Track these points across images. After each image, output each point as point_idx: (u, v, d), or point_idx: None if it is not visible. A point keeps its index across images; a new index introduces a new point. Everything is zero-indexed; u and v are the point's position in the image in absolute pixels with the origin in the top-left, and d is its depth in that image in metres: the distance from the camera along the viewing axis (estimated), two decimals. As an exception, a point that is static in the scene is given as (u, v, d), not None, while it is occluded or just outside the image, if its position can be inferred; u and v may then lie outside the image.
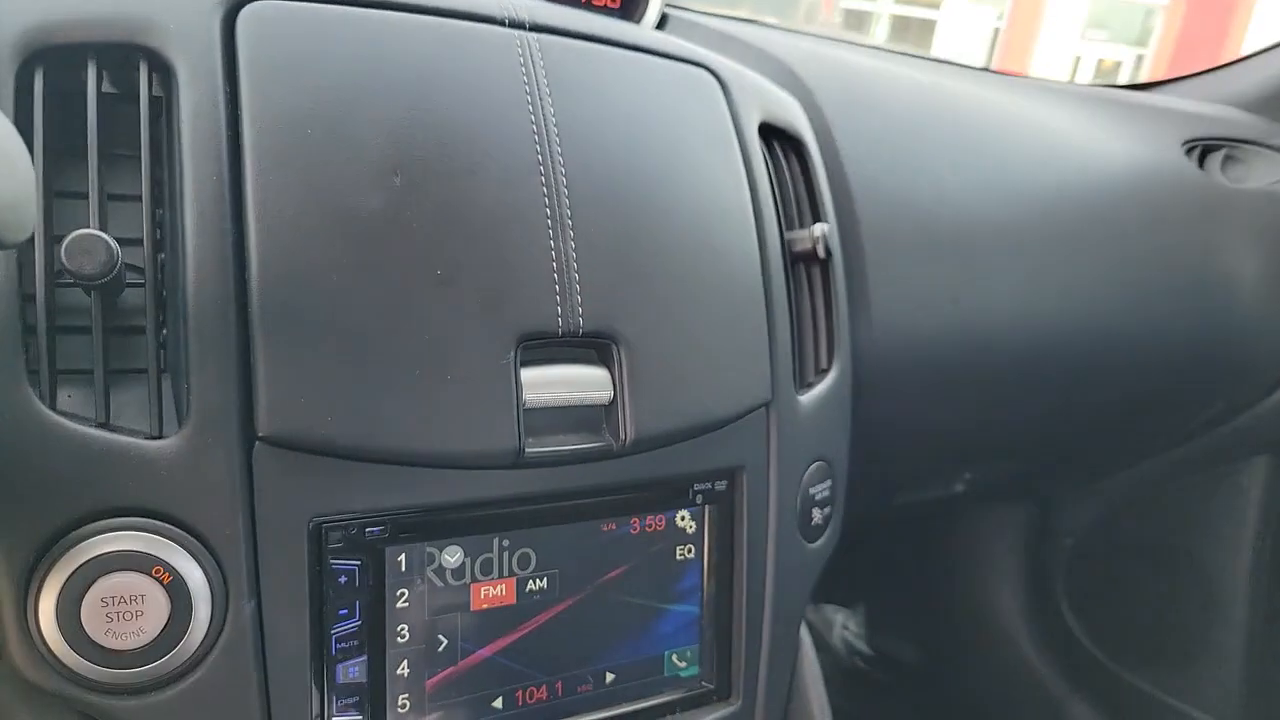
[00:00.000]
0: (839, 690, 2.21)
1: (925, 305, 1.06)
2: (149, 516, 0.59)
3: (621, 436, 0.72)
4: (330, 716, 0.66)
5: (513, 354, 0.68)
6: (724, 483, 0.83)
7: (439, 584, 0.71)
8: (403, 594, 0.69)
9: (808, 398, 0.89)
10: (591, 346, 0.72)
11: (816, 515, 0.90)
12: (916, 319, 1.05)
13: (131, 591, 0.59)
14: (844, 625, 2.25)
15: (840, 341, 0.94)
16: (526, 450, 0.69)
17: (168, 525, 0.60)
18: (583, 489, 0.74)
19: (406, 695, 0.70)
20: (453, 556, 0.71)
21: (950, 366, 1.09)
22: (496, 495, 0.70)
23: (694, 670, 0.84)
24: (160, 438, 0.60)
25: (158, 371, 0.61)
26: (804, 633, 0.92)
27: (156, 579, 0.59)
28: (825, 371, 0.92)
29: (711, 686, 0.84)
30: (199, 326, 0.60)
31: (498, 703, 0.74)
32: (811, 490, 0.89)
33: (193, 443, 0.60)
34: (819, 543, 0.91)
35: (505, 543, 0.73)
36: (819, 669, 0.91)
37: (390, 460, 0.65)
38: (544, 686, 0.76)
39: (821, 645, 2.22)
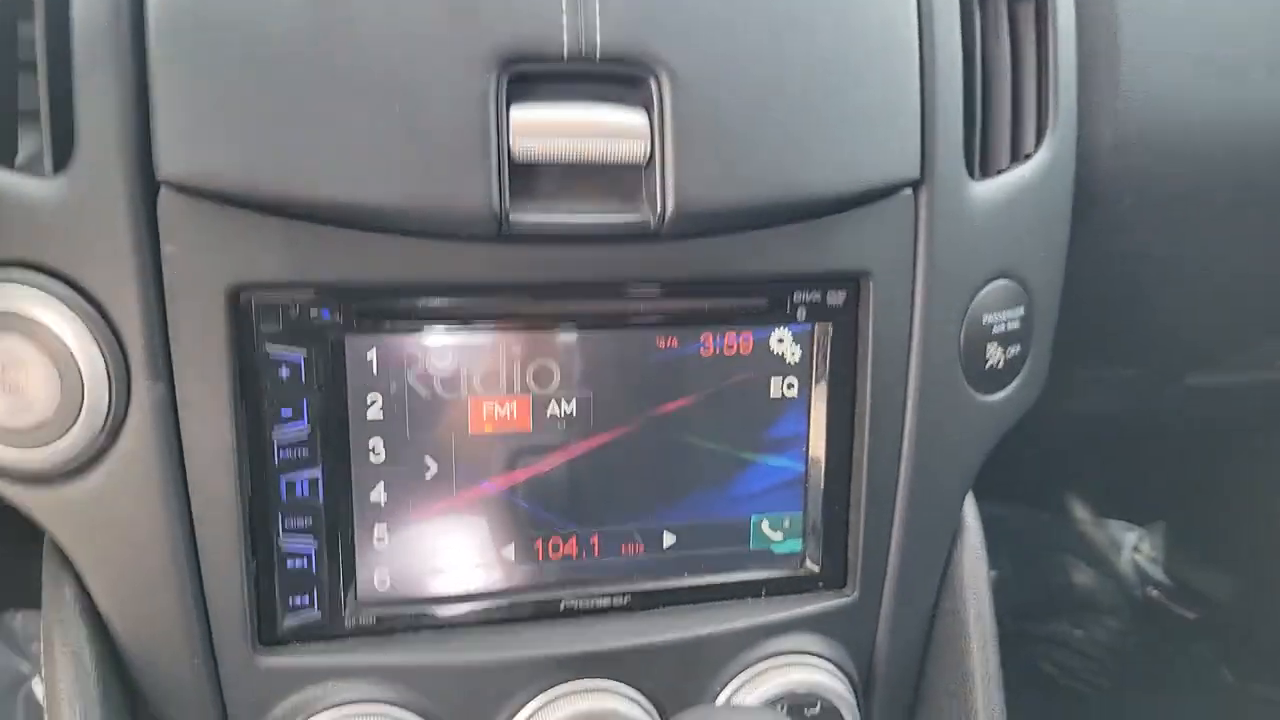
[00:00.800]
0: (1126, 626, 1.86)
1: (1212, 73, 0.72)
2: (31, 269, 0.49)
3: (660, 207, 0.52)
4: (276, 539, 0.54)
5: (494, 81, 0.49)
6: (842, 293, 0.60)
7: (423, 393, 0.55)
8: (374, 400, 0.55)
9: (991, 187, 0.62)
10: (618, 79, 0.52)
11: (994, 355, 0.64)
12: (1198, 92, 0.72)
13: (12, 357, 0.49)
14: (1135, 547, 1.87)
15: (1058, 111, 0.65)
16: (513, 217, 0.50)
17: (52, 280, 0.49)
18: (612, 282, 0.55)
19: (385, 526, 0.56)
20: (442, 360, 0.56)
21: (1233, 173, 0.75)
22: (478, 278, 0.53)
23: (793, 546, 0.63)
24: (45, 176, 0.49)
25: (48, 100, 0.49)
26: (970, 513, 0.67)
27: (40, 345, 0.49)
28: (1028, 156, 0.64)
29: (816, 569, 0.63)
30: (86, 43, 0.48)
31: (508, 551, 0.58)
32: (987, 318, 0.63)
33: (79, 183, 0.48)
34: (998, 396, 0.65)
35: (515, 349, 0.56)
36: (984, 565, 0.66)
37: (327, 217, 0.50)
38: (573, 539, 0.59)
39: (1105, 569, 1.86)
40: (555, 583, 0.59)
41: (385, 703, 0.54)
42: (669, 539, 0.61)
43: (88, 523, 0.51)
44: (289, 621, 0.55)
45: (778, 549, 0.63)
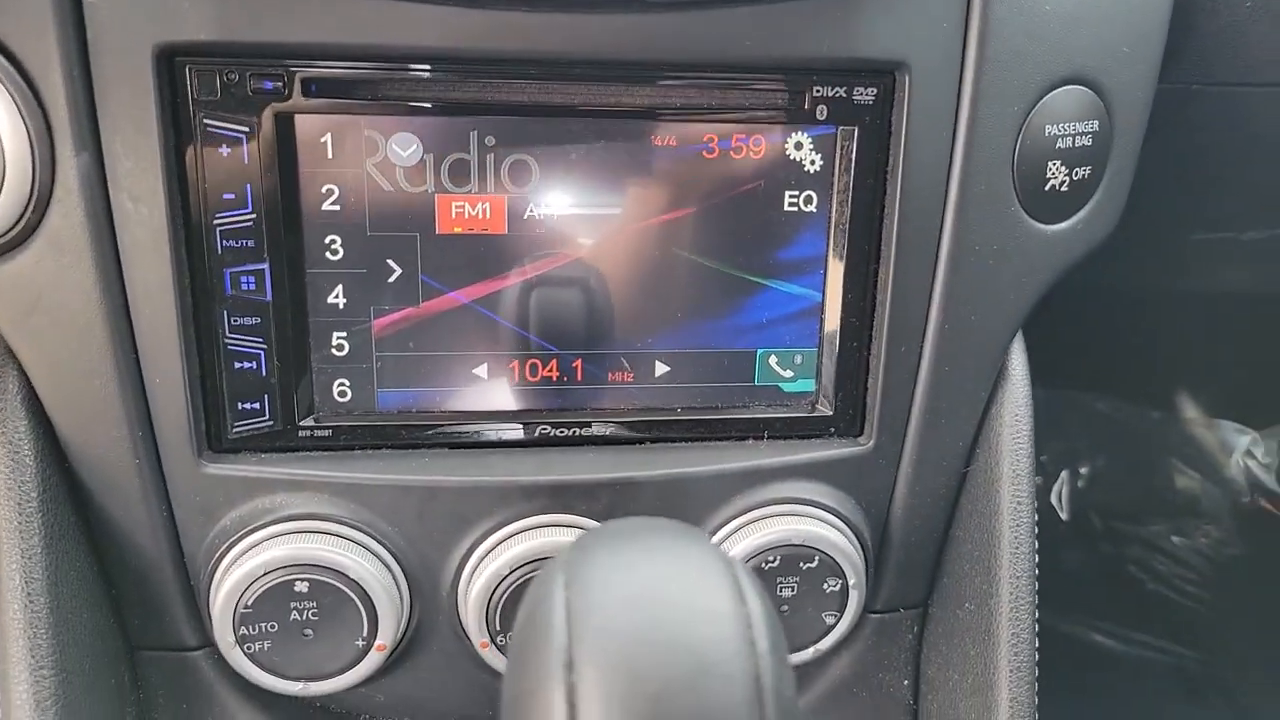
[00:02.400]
0: (1228, 535, 1.72)
1: None
2: None
3: None
4: (221, 337, 0.50)
5: None
6: (872, 90, 0.51)
7: (385, 186, 0.50)
8: (329, 192, 0.49)
9: None
10: None
11: (1057, 174, 0.54)
12: None
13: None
14: (1248, 451, 1.72)
15: None
16: None
17: None
18: (599, 60, 0.47)
19: (344, 334, 0.52)
20: (405, 148, 0.50)
21: None
22: (443, 46, 0.46)
23: (804, 385, 0.56)
24: None
25: None
26: (1017, 361, 0.58)
27: None
28: None
29: (829, 412, 0.56)
30: None
31: (480, 370, 0.53)
32: (1051, 130, 0.53)
33: None
34: (1059, 226, 0.55)
35: (488, 139, 0.50)
36: (1028, 422, 0.57)
37: None
38: (553, 362, 0.54)
39: (1212, 473, 1.73)
40: (532, 409, 0.54)
41: (338, 521, 0.50)
42: (661, 368, 0.54)
43: (21, 306, 0.48)
44: (238, 429, 0.51)
45: (786, 387, 0.56)
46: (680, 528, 0.32)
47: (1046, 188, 0.54)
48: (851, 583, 0.54)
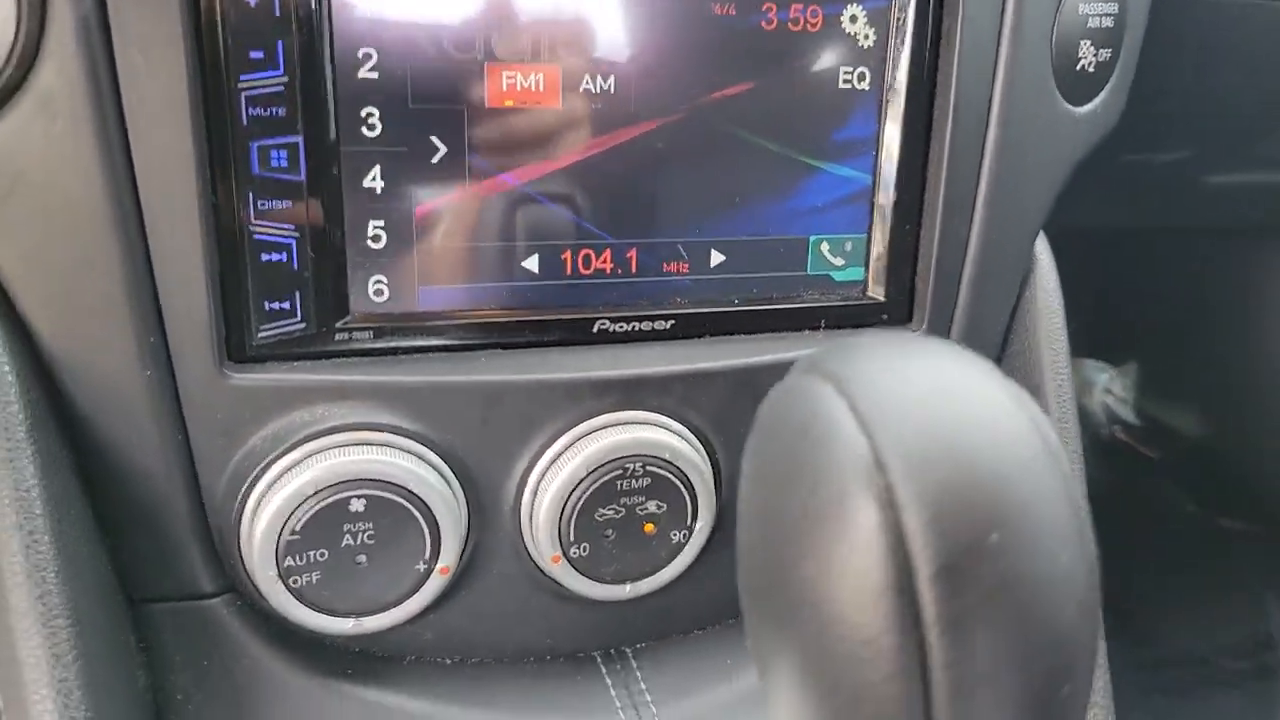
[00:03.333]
0: (1087, 465, 1.86)
1: None
2: None
3: None
4: (247, 224, 0.43)
5: None
6: None
7: (430, 52, 0.44)
8: (367, 56, 0.44)
9: None
10: None
11: (1086, 54, 0.54)
12: None
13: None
14: (1106, 388, 1.85)
15: None
16: None
17: None
18: None
19: (381, 224, 0.46)
20: (453, 11, 0.44)
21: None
22: None
23: (855, 273, 0.54)
24: None
25: None
26: (1043, 248, 0.59)
27: None
28: None
29: (881, 299, 0.54)
30: None
31: (531, 263, 0.49)
32: (1082, 8, 0.53)
33: None
34: (1085, 108, 0.56)
35: (543, 4, 0.45)
36: (1060, 304, 0.58)
37: None
38: (607, 253, 0.50)
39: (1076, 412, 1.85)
40: (587, 302, 0.50)
41: (391, 430, 0.45)
42: (717, 258, 0.51)
43: (3, 185, 0.39)
44: (265, 333, 0.44)
45: (838, 276, 0.54)
46: (956, 351, 0.29)
47: (1077, 67, 0.54)
48: None
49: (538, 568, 0.48)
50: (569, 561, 0.48)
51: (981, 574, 0.23)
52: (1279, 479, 1.60)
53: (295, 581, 0.44)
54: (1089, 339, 1.76)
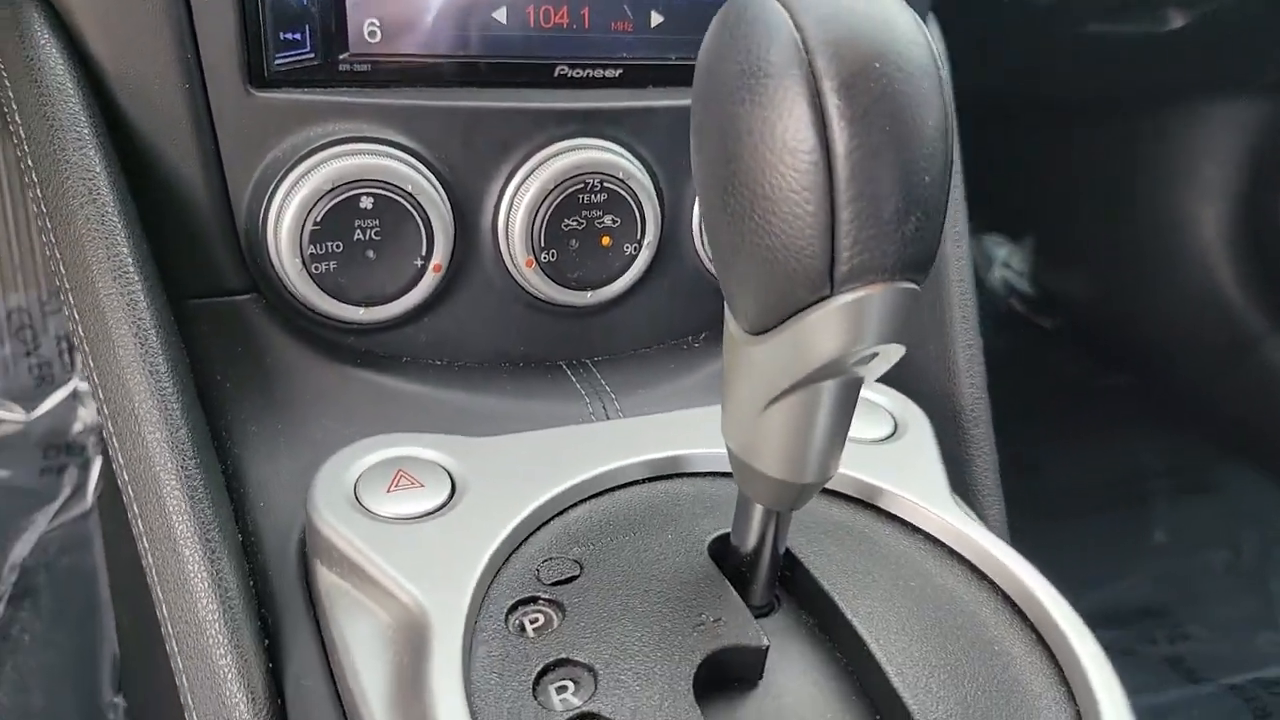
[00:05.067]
0: (986, 337, 2.00)
1: None
2: None
3: None
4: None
5: None
6: None
7: None
8: None
9: None
10: None
11: None
12: None
13: None
14: (1005, 262, 2.00)
15: None
16: None
17: None
18: None
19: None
20: None
21: None
22: None
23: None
24: None
25: None
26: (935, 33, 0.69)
27: None
28: None
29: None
30: None
31: (500, 14, 0.57)
32: None
33: None
34: None
35: None
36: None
37: None
38: (564, 9, 0.58)
39: (977, 285, 2.00)
40: (548, 51, 0.59)
41: (390, 143, 0.53)
42: (656, 18, 0.61)
43: None
44: (281, 61, 0.52)
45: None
46: None
47: None
48: None
49: (512, 275, 0.58)
50: (539, 266, 0.57)
51: (870, 86, 0.33)
52: (1153, 341, 1.77)
53: (316, 269, 0.52)
54: (989, 214, 1.90)
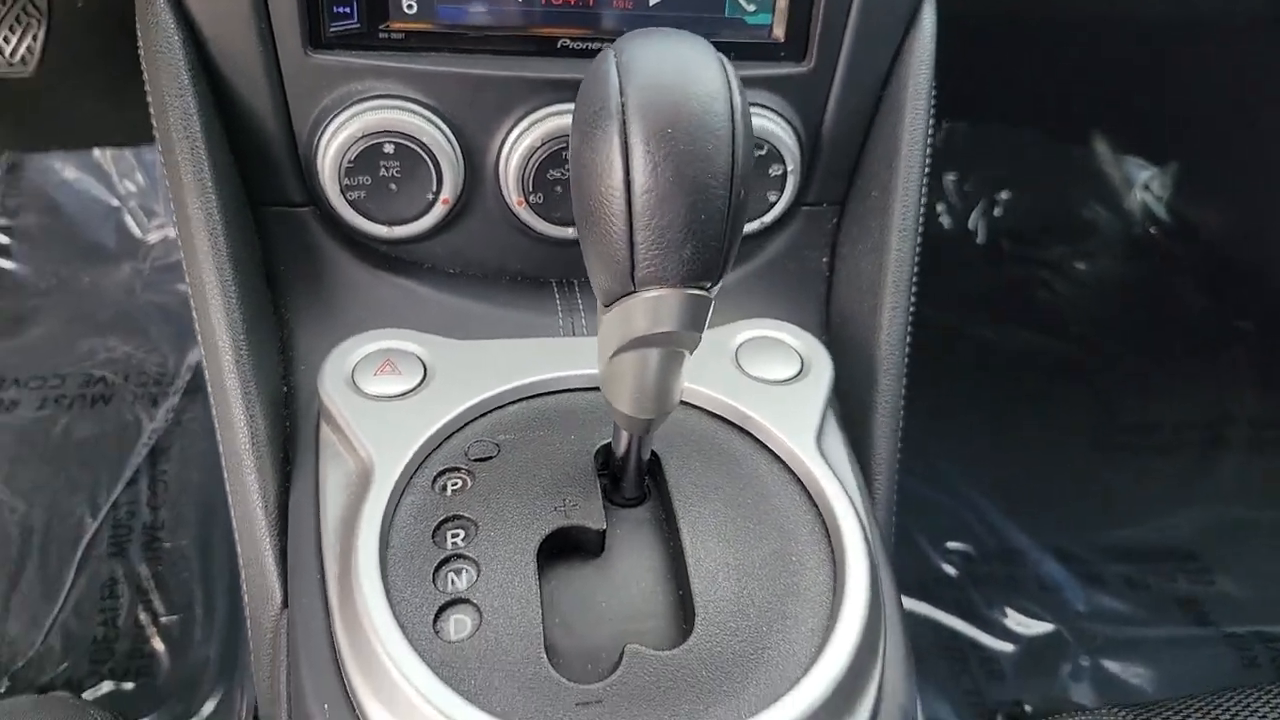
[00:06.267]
0: (1121, 258, 1.96)
1: None
2: None
3: None
4: None
5: None
6: None
7: None
8: None
9: None
10: None
11: None
12: None
13: None
14: (1146, 185, 1.94)
15: None
16: None
17: None
18: None
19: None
20: None
21: None
22: None
23: (764, 19, 0.72)
24: None
25: None
26: (928, 14, 0.74)
27: None
28: None
29: (781, 40, 0.73)
30: None
31: (516, -7, 0.69)
32: None
33: None
34: None
35: None
36: (930, 69, 0.74)
37: None
38: (571, -12, 0.70)
39: (1114, 207, 1.95)
40: (556, 24, 0.70)
41: (414, 100, 0.67)
42: (655, -1, 0.71)
43: None
44: (334, 27, 0.67)
45: (749, 19, 0.72)
46: (695, 38, 0.49)
47: None
48: (790, 169, 0.73)
49: (509, 209, 0.71)
50: (529, 205, 0.70)
51: (662, 147, 0.44)
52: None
53: (350, 195, 0.68)
54: (1134, 134, 1.83)
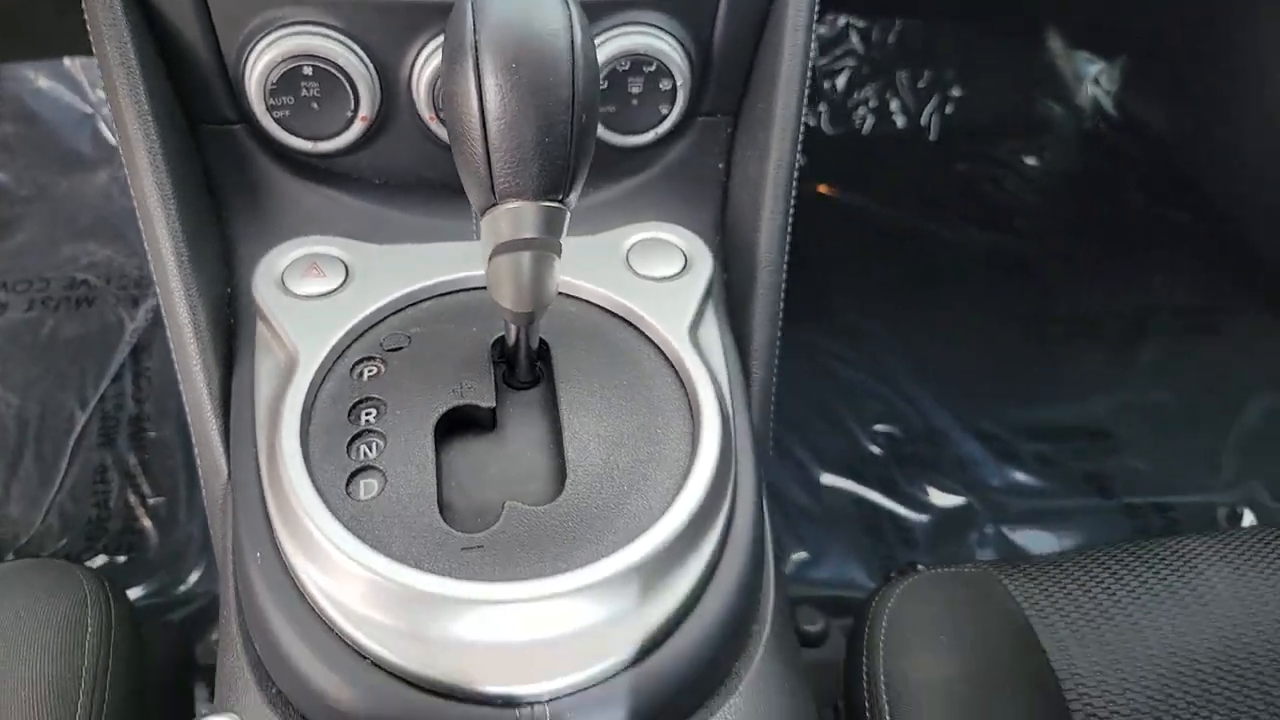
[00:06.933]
0: (1071, 152, 2.01)
1: None
2: None
3: None
4: None
5: None
6: None
7: None
8: None
9: None
10: None
11: None
12: None
13: None
14: (1096, 79, 1.98)
15: None
16: None
17: None
18: None
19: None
20: None
21: None
22: None
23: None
24: None
25: None
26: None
27: None
28: None
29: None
30: None
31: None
32: None
33: None
34: None
35: None
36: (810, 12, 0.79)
37: None
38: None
39: (1065, 102, 1.99)
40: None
41: (330, 26, 0.74)
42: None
43: None
44: None
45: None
46: None
47: None
48: (679, 84, 0.79)
49: (424, 124, 0.79)
50: (440, 120, 0.78)
51: (509, 79, 0.51)
52: (1218, 185, 1.76)
53: (276, 114, 0.75)
54: (1085, 29, 1.87)
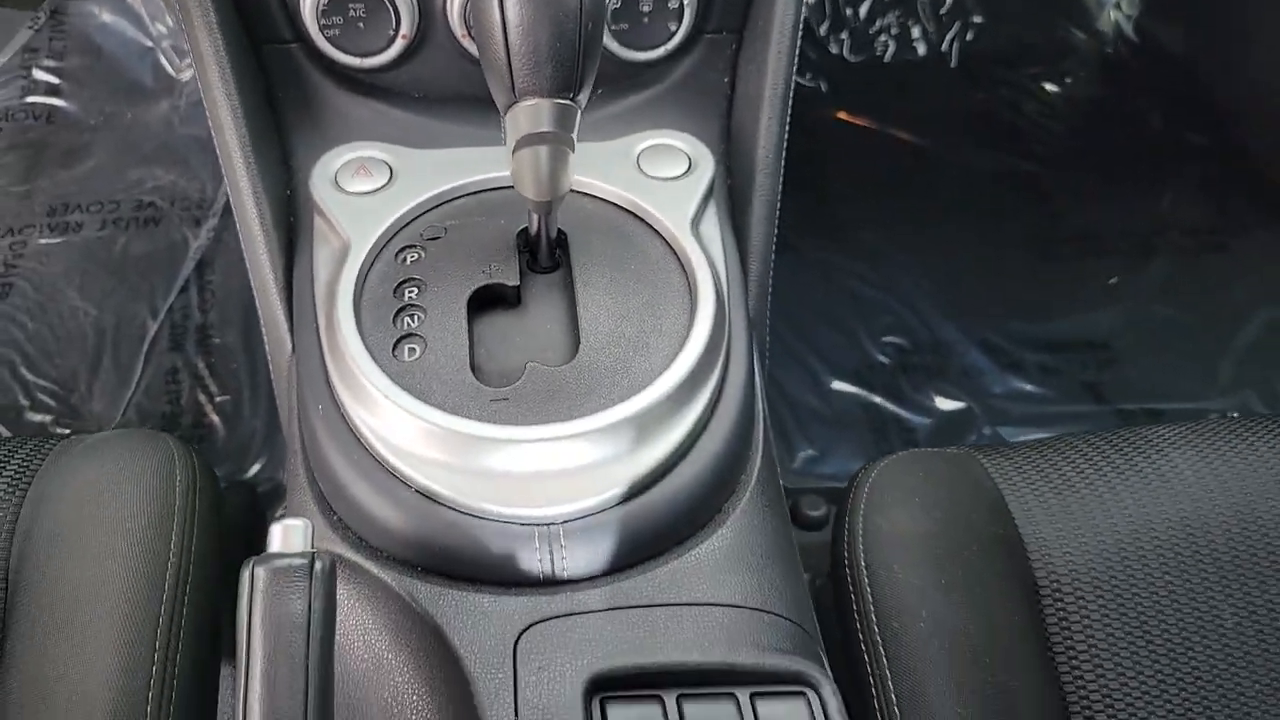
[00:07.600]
0: (1091, 79, 2.03)
1: None
2: None
3: None
4: None
5: None
6: None
7: None
8: None
9: None
10: None
11: None
12: None
13: None
14: (1117, 3, 2.00)
15: None
16: None
17: None
18: None
19: None
20: None
21: None
22: None
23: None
24: None
25: None
26: None
27: None
28: None
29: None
30: None
31: None
32: None
33: None
34: None
35: None
36: None
37: None
38: None
39: (1086, 27, 2.02)
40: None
41: None
42: None
43: None
44: None
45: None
46: None
47: None
48: (686, 2, 0.88)
49: (459, 43, 0.88)
50: (470, 37, 0.87)
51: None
52: (1237, 107, 1.79)
53: (327, 33, 0.85)
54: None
